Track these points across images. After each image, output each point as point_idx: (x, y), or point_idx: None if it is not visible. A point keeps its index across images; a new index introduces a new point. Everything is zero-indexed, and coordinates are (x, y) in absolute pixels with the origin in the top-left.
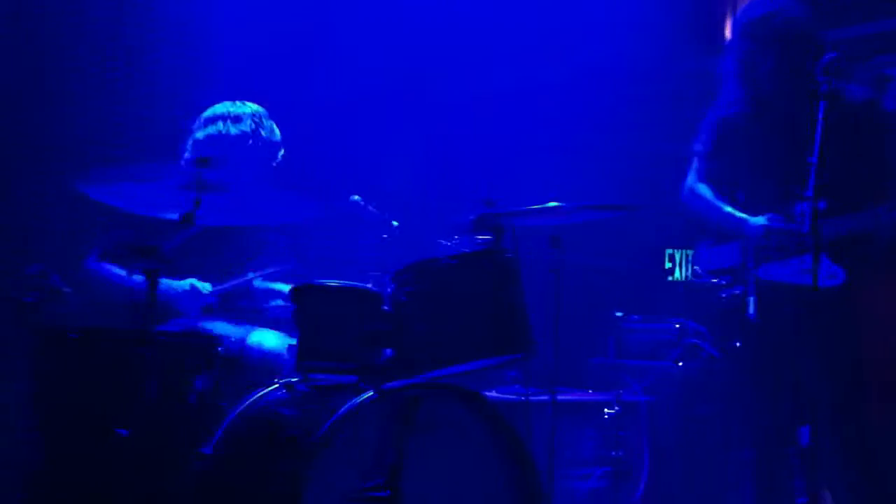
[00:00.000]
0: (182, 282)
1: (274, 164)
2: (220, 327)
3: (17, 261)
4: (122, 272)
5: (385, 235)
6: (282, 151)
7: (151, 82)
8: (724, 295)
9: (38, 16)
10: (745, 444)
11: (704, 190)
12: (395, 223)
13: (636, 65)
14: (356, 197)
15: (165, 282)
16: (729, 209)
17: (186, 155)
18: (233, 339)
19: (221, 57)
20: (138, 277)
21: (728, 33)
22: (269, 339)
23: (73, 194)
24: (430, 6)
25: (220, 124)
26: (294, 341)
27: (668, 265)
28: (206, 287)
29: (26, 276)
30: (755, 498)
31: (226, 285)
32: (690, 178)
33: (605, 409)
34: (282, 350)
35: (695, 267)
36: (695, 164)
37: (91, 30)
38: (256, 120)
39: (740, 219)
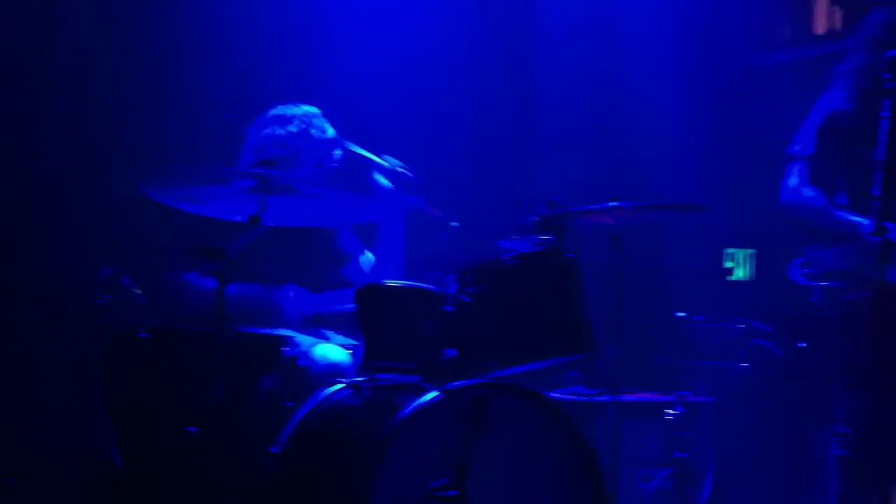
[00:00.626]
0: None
1: (332, 165)
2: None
3: (89, 265)
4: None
5: (444, 236)
6: (338, 151)
7: (200, 88)
8: (847, 298)
9: (86, 29)
10: (820, 445)
11: (811, 193)
12: (454, 224)
13: (697, 62)
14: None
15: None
16: (842, 213)
17: (241, 157)
18: (299, 350)
19: (271, 59)
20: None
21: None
22: (333, 352)
23: (141, 199)
24: (485, 6)
25: (269, 128)
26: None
27: (728, 264)
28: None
29: (99, 279)
30: (839, 498)
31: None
32: (793, 180)
33: (669, 410)
34: (347, 362)
35: (805, 270)
36: (797, 166)
37: (142, 36)
38: (306, 121)
39: (856, 223)
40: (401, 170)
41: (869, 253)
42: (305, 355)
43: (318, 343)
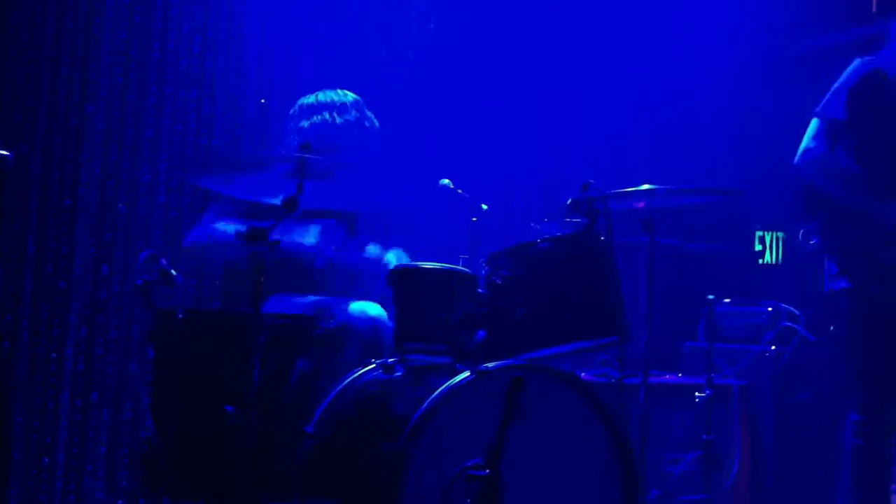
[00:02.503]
0: (310, 235)
1: (371, 153)
2: (322, 301)
3: (126, 247)
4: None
5: (474, 218)
6: (379, 140)
7: (239, 73)
8: (859, 276)
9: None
10: (851, 430)
11: (835, 161)
12: (484, 206)
13: (730, 48)
14: (446, 181)
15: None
16: (869, 190)
17: (289, 142)
18: (336, 309)
19: (310, 46)
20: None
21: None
22: (370, 307)
23: (180, 182)
24: None
25: (326, 114)
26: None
27: (758, 247)
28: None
29: (138, 261)
30: (854, 483)
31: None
32: (814, 143)
33: (697, 393)
34: (384, 317)
35: (811, 241)
36: (819, 128)
37: (179, 24)
38: (360, 109)
39: (887, 204)
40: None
41: (889, 238)
42: (344, 312)
43: (352, 301)
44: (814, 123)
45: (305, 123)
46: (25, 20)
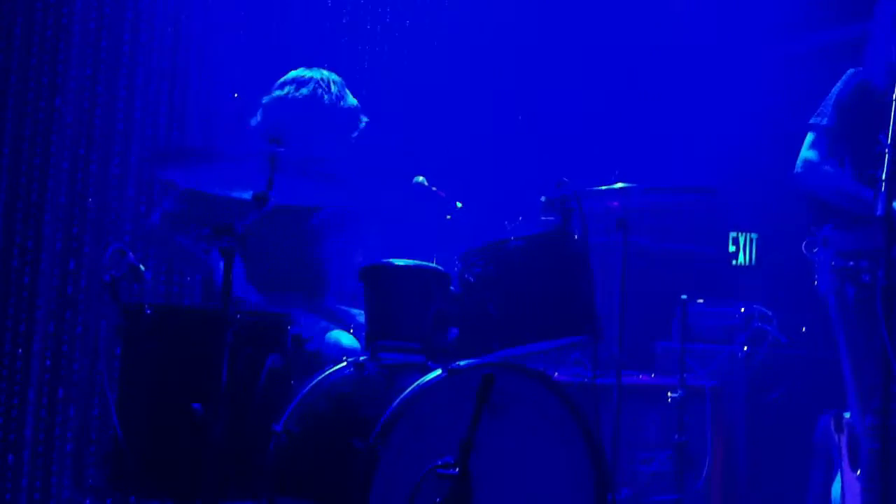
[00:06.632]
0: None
1: (353, 135)
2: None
3: (95, 241)
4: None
5: (448, 216)
6: (364, 120)
7: (212, 66)
8: (866, 279)
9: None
10: (821, 430)
11: (831, 168)
12: (458, 204)
13: (706, 47)
14: (420, 178)
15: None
16: (867, 192)
17: (254, 121)
18: (309, 336)
19: (285, 39)
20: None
21: None
22: (345, 338)
23: (147, 176)
24: None
25: (287, 88)
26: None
27: (731, 248)
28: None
29: (105, 255)
30: (872, 487)
31: None
32: (811, 154)
33: (669, 393)
34: (357, 348)
35: (814, 249)
36: (814, 138)
37: (153, 19)
38: (323, 84)
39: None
40: None
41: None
42: (316, 340)
43: (329, 330)
44: (810, 134)
45: (266, 99)
46: None
